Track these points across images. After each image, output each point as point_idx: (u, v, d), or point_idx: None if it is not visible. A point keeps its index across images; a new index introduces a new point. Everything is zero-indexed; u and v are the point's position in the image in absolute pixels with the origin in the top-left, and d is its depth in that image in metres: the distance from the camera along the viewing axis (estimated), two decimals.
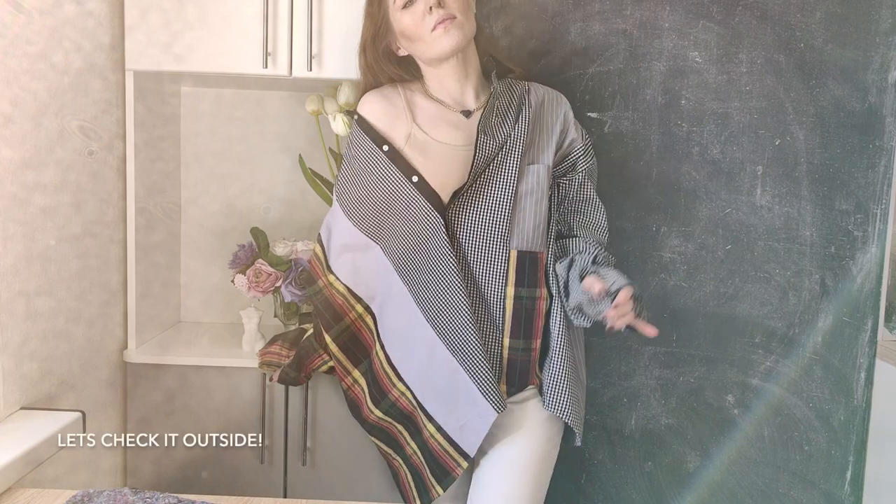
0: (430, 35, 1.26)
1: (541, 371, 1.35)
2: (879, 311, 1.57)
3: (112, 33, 1.59)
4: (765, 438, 1.59)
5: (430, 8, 1.24)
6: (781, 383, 1.57)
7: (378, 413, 1.38)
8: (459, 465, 1.27)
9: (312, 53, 1.58)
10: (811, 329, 1.56)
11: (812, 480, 1.58)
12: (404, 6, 1.27)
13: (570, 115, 1.41)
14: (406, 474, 1.39)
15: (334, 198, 1.39)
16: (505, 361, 1.31)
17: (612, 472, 1.63)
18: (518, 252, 1.30)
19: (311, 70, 1.58)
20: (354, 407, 1.43)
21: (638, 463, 1.62)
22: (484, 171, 1.29)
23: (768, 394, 1.58)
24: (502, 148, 1.30)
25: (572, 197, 1.41)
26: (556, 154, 1.37)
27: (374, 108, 1.35)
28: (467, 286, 1.28)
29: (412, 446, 1.35)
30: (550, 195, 1.37)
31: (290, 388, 1.60)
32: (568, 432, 1.38)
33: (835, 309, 1.55)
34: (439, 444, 1.29)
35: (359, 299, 1.39)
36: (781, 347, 1.57)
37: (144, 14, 1.58)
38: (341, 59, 1.58)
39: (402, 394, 1.34)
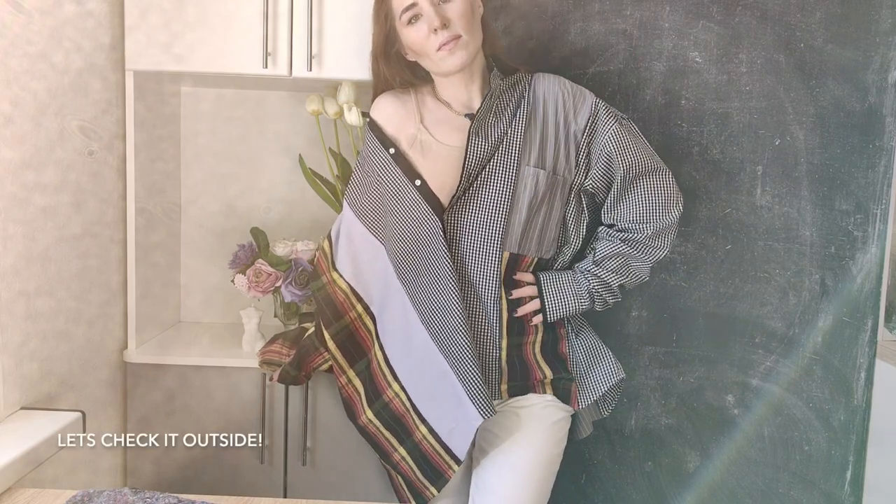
0: (435, 54, 1.25)
1: (546, 365, 1.35)
2: (879, 311, 1.57)
3: (112, 33, 1.59)
4: (765, 438, 1.59)
5: (435, 29, 1.22)
6: (781, 383, 1.57)
7: (369, 414, 1.38)
8: (451, 468, 1.27)
9: (312, 53, 1.58)
10: (811, 329, 1.56)
11: (812, 480, 1.58)
12: (409, 22, 1.26)
13: (581, 113, 1.32)
14: (397, 477, 1.40)
15: (344, 197, 1.41)
16: (504, 363, 1.32)
17: (612, 472, 1.63)
18: (510, 255, 1.31)
19: (311, 70, 1.58)
20: (349, 407, 1.43)
21: (638, 463, 1.62)
22: (480, 173, 1.28)
23: (768, 394, 1.57)
24: (498, 148, 1.29)
25: (626, 203, 1.36)
26: (579, 163, 1.33)
27: (386, 111, 1.36)
28: (464, 289, 1.28)
29: (400, 452, 1.36)
30: (553, 203, 1.33)
31: (290, 388, 1.60)
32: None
33: (835, 309, 1.55)
34: (431, 446, 1.30)
35: (360, 299, 1.39)
36: (781, 347, 1.57)
37: (144, 14, 1.58)
38: (341, 59, 1.58)
39: (397, 394, 1.34)
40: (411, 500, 1.36)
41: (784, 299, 1.56)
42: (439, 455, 1.29)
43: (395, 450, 1.36)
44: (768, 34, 1.51)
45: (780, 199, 1.54)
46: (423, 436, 1.31)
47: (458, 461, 1.26)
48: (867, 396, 1.56)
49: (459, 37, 1.23)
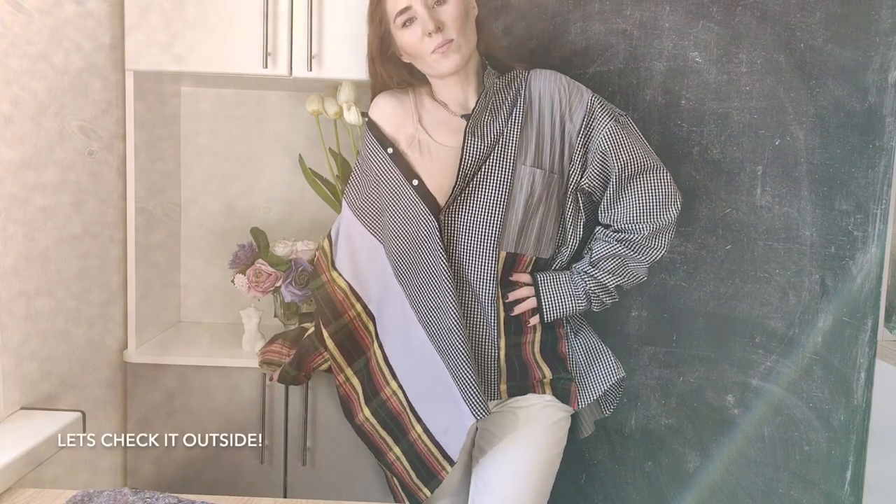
0: (429, 56, 1.25)
1: (545, 365, 1.35)
2: (879, 311, 1.57)
3: (112, 33, 1.59)
4: (765, 438, 1.59)
5: (430, 33, 1.22)
6: (781, 383, 1.57)
7: (366, 413, 1.38)
8: (444, 469, 1.27)
9: (312, 53, 1.58)
10: (811, 329, 1.56)
11: (812, 480, 1.58)
12: (403, 25, 1.26)
13: (577, 111, 1.30)
14: (392, 477, 1.40)
15: (343, 197, 1.41)
16: (503, 363, 1.32)
17: (612, 472, 1.63)
18: (507, 254, 1.31)
19: (311, 70, 1.58)
20: (345, 406, 1.44)
21: (638, 463, 1.62)
22: (477, 173, 1.28)
23: (768, 394, 1.57)
24: (494, 148, 1.29)
25: (623, 203, 1.34)
26: (575, 161, 1.32)
27: (384, 110, 1.36)
28: (461, 289, 1.28)
29: (395, 452, 1.36)
30: (550, 202, 1.32)
31: (290, 388, 1.60)
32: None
33: (835, 309, 1.55)
34: (426, 445, 1.30)
35: (359, 298, 1.40)
36: (781, 347, 1.57)
37: (144, 14, 1.58)
38: (341, 59, 1.58)
39: (394, 393, 1.35)
40: (405, 500, 1.36)
41: (784, 299, 1.56)
42: (433, 455, 1.29)
43: (390, 449, 1.36)
44: (768, 34, 1.51)
45: (780, 199, 1.54)
46: (419, 435, 1.31)
47: (451, 462, 1.26)
48: (867, 396, 1.56)
49: (452, 40, 1.23)
